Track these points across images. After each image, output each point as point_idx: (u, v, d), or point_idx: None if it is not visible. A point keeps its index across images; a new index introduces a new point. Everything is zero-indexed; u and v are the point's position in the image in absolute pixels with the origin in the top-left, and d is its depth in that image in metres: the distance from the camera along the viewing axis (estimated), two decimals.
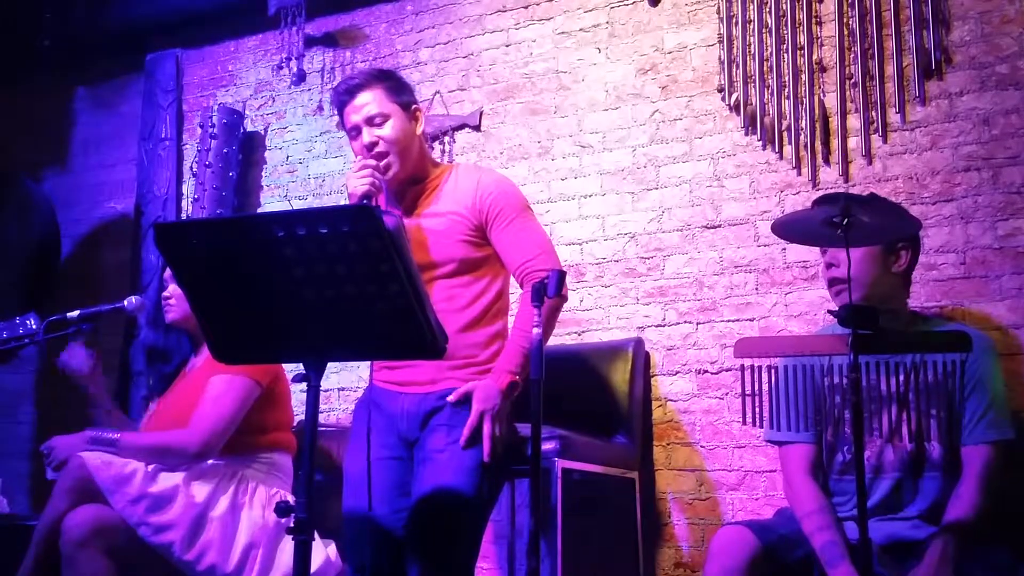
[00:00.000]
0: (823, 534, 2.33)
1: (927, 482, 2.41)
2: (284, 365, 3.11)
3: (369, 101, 2.54)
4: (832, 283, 2.57)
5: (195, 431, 2.67)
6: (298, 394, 3.79)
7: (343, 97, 2.58)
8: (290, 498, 2.70)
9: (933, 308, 3.07)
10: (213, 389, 2.72)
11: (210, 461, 2.73)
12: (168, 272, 2.96)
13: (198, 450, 2.66)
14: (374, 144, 2.52)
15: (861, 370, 2.15)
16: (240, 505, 2.69)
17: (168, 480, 2.62)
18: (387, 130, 2.53)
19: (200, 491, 2.64)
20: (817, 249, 3.11)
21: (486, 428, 2.34)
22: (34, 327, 2.80)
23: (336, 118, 4.33)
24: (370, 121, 2.53)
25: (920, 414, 2.24)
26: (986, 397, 2.40)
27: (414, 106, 2.61)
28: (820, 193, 3.29)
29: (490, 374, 2.43)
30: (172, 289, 2.91)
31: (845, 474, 2.47)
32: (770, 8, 3.48)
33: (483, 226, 2.52)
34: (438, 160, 3.17)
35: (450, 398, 2.42)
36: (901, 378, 2.24)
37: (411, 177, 2.59)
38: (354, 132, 2.57)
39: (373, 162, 2.48)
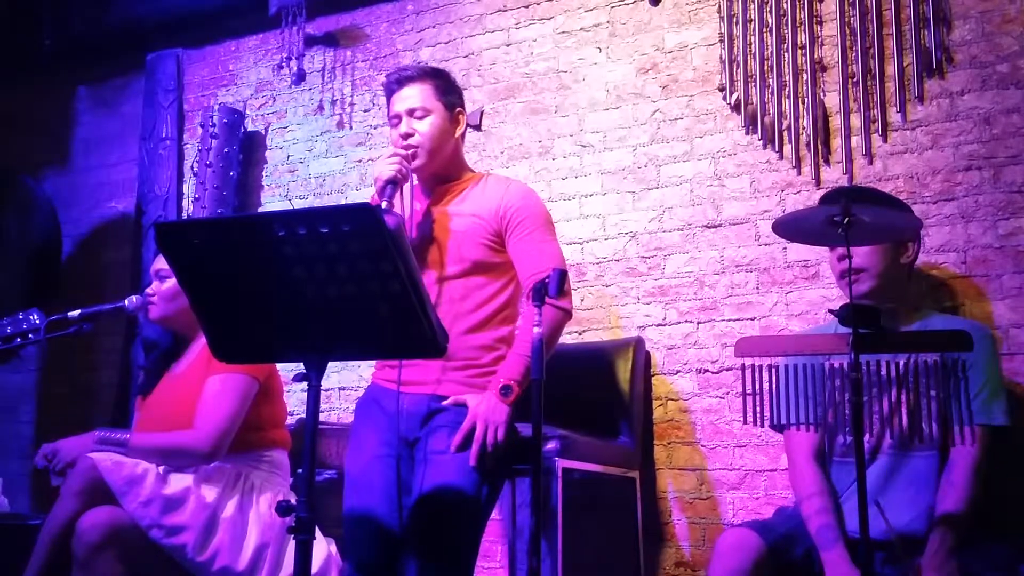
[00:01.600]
0: (819, 517, 2.36)
1: (921, 461, 2.42)
2: (286, 364, 3.11)
3: (414, 94, 2.61)
4: (844, 275, 2.58)
5: (204, 432, 2.66)
6: (299, 393, 3.81)
7: (392, 86, 2.65)
8: (293, 498, 2.70)
9: (933, 307, 3.07)
10: (212, 389, 2.71)
11: (212, 463, 2.72)
12: (154, 268, 2.95)
13: (209, 450, 2.65)
14: (409, 135, 2.57)
15: (862, 368, 2.15)
16: (248, 505, 2.69)
17: (180, 482, 2.61)
18: (425, 125, 2.58)
19: (210, 492, 2.63)
20: (817, 248, 3.13)
21: (477, 433, 2.35)
22: (38, 322, 2.79)
23: (336, 117, 4.37)
24: (411, 113, 2.59)
25: (917, 396, 2.26)
26: (979, 381, 2.41)
27: (458, 108, 2.66)
28: (821, 192, 3.30)
29: (490, 383, 2.44)
30: (155, 287, 2.91)
31: (847, 456, 2.49)
32: (771, 7, 3.48)
33: (502, 232, 2.54)
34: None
35: (446, 403, 2.44)
36: (900, 361, 2.26)
37: (440, 175, 2.63)
38: (395, 120, 2.63)
39: (403, 152, 2.54)
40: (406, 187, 2.54)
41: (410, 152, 2.55)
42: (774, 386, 2.31)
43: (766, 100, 3.45)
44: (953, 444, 2.40)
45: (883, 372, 2.28)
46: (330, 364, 2.04)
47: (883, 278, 2.56)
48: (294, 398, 3.91)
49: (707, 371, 3.40)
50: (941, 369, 2.21)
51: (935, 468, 2.42)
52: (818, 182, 3.32)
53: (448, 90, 2.66)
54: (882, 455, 2.46)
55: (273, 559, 2.64)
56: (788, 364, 2.31)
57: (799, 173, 3.37)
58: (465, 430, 2.36)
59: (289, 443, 2.91)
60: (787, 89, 3.42)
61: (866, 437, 2.40)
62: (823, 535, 2.33)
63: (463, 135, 2.69)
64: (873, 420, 2.40)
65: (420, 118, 2.58)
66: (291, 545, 2.63)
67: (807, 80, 3.38)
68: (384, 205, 2.40)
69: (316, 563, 2.63)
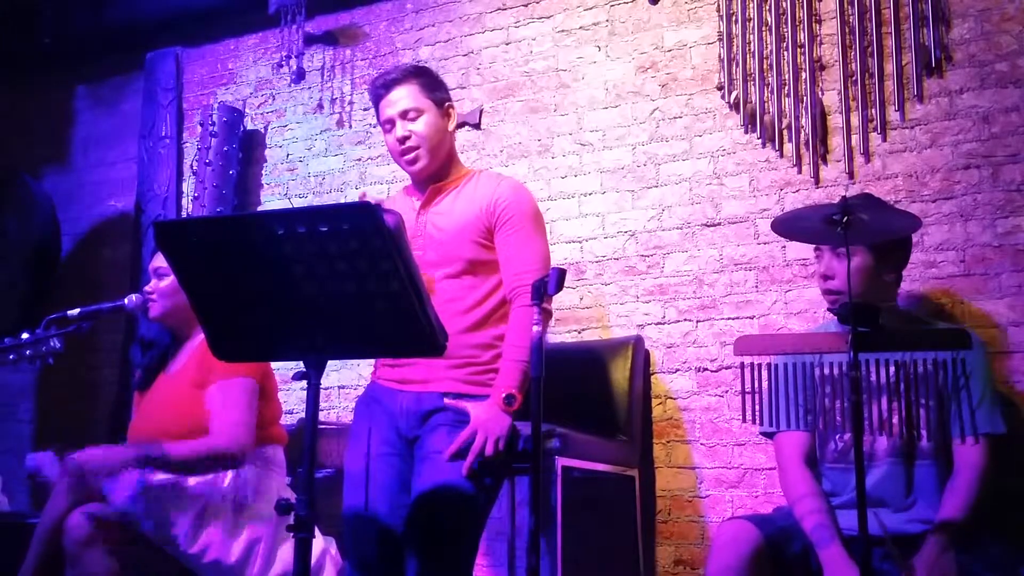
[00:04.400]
0: (813, 517, 2.36)
1: (919, 471, 2.42)
2: (285, 362, 3.11)
3: (404, 96, 2.60)
4: (827, 293, 2.59)
5: (225, 435, 2.67)
6: (298, 392, 3.81)
7: (379, 91, 2.64)
8: (290, 494, 2.70)
9: (933, 305, 3.07)
10: (220, 396, 2.72)
11: None
12: (152, 265, 2.95)
13: (237, 450, 2.68)
14: (406, 137, 2.58)
15: (861, 368, 2.15)
16: (241, 499, 2.69)
17: (167, 476, 2.62)
18: (420, 125, 2.58)
19: (201, 486, 2.64)
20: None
21: (476, 443, 2.35)
22: (57, 346, 2.81)
23: (336, 116, 4.37)
24: (404, 115, 2.59)
25: (911, 404, 2.25)
26: (977, 391, 2.41)
27: (447, 104, 2.67)
28: (820, 191, 3.30)
29: (490, 395, 2.43)
30: (154, 284, 2.91)
31: (838, 463, 2.49)
32: (770, 6, 3.48)
33: (492, 229, 2.54)
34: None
35: (447, 401, 2.43)
36: (892, 370, 2.25)
37: (436, 174, 2.64)
38: (388, 125, 2.62)
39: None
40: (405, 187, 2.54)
41: (411, 156, 2.57)
42: (769, 384, 2.31)
43: (765, 99, 3.45)
44: (952, 453, 2.40)
45: (873, 378, 2.27)
46: (329, 363, 2.04)
47: (865, 295, 2.49)
48: (293, 396, 3.91)
49: (706, 369, 3.40)
50: (935, 376, 2.20)
51: (934, 477, 2.41)
52: (817, 181, 3.33)
53: (435, 86, 2.66)
54: (877, 463, 2.44)
55: (265, 554, 2.65)
56: (781, 363, 2.30)
57: (798, 172, 3.37)
58: (464, 439, 2.36)
59: (285, 439, 2.92)
60: (786, 88, 3.42)
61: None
62: (819, 533, 2.33)
63: (455, 130, 2.69)
64: (864, 427, 2.38)
65: (414, 119, 2.59)
66: (284, 540, 2.67)
67: (806, 79, 3.38)
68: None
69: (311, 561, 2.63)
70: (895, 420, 2.31)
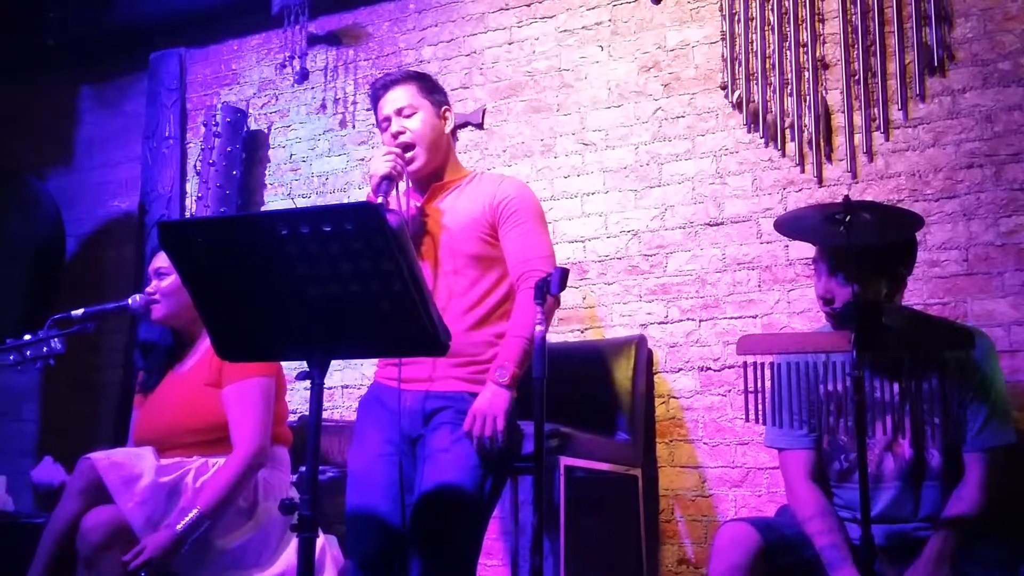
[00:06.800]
0: (824, 537, 2.32)
1: (927, 491, 2.37)
2: (289, 362, 3.11)
3: (400, 95, 2.65)
4: (829, 315, 2.54)
5: (243, 448, 2.66)
6: (301, 391, 3.82)
7: (378, 92, 2.69)
8: (294, 493, 2.71)
9: (936, 305, 3.07)
10: (234, 400, 2.71)
11: (213, 461, 2.72)
12: (153, 266, 2.95)
13: (256, 460, 2.66)
14: (400, 133, 2.60)
15: (864, 368, 2.14)
16: (248, 500, 2.70)
17: (177, 479, 2.62)
18: (415, 122, 2.62)
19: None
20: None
21: (476, 427, 2.35)
22: (58, 347, 2.82)
23: (339, 116, 4.38)
24: (399, 112, 2.63)
25: (919, 421, 2.23)
26: (988, 402, 2.36)
27: (444, 106, 2.70)
28: (823, 190, 3.30)
29: (488, 373, 2.43)
30: (155, 285, 2.90)
31: (843, 481, 2.45)
32: (772, 5, 3.48)
33: (496, 224, 2.55)
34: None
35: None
36: (897, 386, 2.23)
37: (434, 173, 2.66)
38: (385, 124, 2.66)
39: (398, 150, 2.57)
40: (401, 185, 2.55)
41: (407, 154, 2.58)
42: (771, 386, 2.29)
43: (768, 98, 3.45)
44: (959, 470, 2.37)
45: (878, 395, 2.26)
46: (333, 362, 2.04)
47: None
48: (297, 396, 3.92)
49: (709, 369, 3.40)
50: (942, 388, 2.18)
51: (942, 497, 2.36)
52: (820, 180, 3.33)
53: (432, 89, 2.70)
54: (886, 485, 2.40)
55: (273, 553, 2.66)
56: (783, 363, 2.29)
57: (801, 171, 3.37)
58: (467, 429, 2.37)
59: (290, 439, 2.92)
60: (789, 87, 3.42)
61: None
62: (830, 554, 2.29)
63: (454, 133, 2.73)
64: (871, 445, 2.37)
65: (409, 116, 2.62)
66: (287, 538, 2.67)
67: (809, 78, 3.38)
68: (379, 201, 2.42)
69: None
70: (900, 439, 2.30)
